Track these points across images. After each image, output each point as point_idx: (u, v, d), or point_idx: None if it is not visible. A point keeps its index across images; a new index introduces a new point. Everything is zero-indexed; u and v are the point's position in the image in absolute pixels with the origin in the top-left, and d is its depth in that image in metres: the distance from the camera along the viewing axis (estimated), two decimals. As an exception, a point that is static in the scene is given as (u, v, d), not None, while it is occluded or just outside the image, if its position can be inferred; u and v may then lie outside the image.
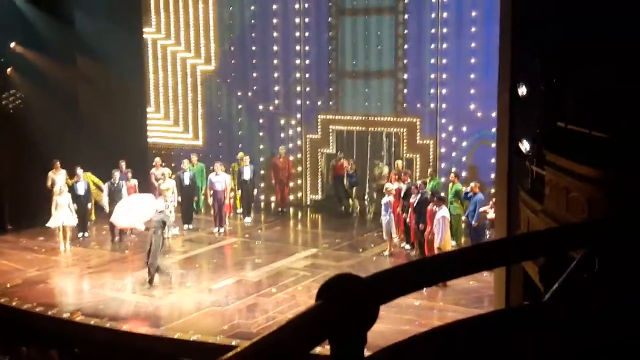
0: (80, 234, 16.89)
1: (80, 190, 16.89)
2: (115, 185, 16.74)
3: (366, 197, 19.48)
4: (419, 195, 14.71)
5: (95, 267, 14.92)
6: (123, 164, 17.47)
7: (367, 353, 1.67)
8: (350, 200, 18.59)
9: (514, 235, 8.50)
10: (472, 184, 15.21)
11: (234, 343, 10.81)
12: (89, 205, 17.32)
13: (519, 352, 1.88)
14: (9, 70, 17.94)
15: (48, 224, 16.15)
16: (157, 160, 18.53)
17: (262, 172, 19.44)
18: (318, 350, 1.70)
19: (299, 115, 19.42)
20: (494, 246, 2.20)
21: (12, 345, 10.67)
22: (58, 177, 17.02)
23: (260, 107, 19.77)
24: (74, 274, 14.78)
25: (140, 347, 11.34)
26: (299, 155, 19.48)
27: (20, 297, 13.19)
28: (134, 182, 17.44)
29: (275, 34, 19.35)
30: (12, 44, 17.94)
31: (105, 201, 16.69)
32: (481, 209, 14.72)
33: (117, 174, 16.90)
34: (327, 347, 1.60)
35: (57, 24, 18.31)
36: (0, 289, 13.64)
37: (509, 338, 1.91)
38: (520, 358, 1.86)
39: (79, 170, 17.01)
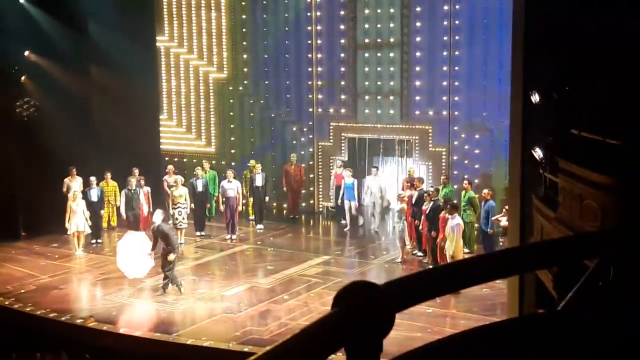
0: (93, 241, 16.98)
1: (94, 197, 16.99)
2: (132, 191, 16.85)
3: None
4: (432, 202, 14.68)
5: (108, 273, 14.97)
6: (137, 171, 17.57)
7: (382, 360, 1.67)
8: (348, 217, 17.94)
9: (528, 244, 8.47)
10: (485, 192, 15.18)
11: (246, 350, 10.82)
12: (102, 212, 17.42)
13: (535, 358, 1.88)
14: (23, 78, 18.08)
15: (68, 233, 16.31)
16: (170, 167, 18.64)
17: (273, 179, 19.47)
18: (334, 357, 1.71)
19: (310, 123, 19.45)
20: (508, 254, 2.20)
21: (26, 351, 10.71)
22: (74, 183, 17.15)
23: (272, 114, 19.83)
24: (87, 280, 14.84)
25: (152, 353, 11.36)
26: (310, 163, 19.51)
27: (33, 303, 13.27)
28: (147, 189, 17.53)
29: (287, 42, 19.41)
30: (27, 53, 18.09)
31: (122, 208, 16.77)
32: (494, 218, 14.68)
33: (133, 181, 17.02)
34: (342, 354, 1.60)
35: (71, 32, 18.46)
36: (14, 294, 13.73)
37: (523, 346, 1.91)
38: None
39: (92, 178, 17.12)
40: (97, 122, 19.37)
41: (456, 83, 17.36)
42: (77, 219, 16.18)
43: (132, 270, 14.22)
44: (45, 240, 17.25)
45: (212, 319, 12.44)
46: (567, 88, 9.55)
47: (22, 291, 13.94)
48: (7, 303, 13.36)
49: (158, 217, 13.80)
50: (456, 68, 17.34)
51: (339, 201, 18.04)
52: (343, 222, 18.15)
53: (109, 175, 17.58)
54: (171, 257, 13.40)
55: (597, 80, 8.70)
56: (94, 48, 19.11)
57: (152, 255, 14.05)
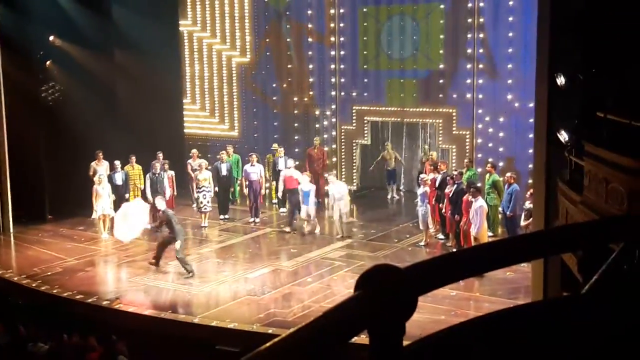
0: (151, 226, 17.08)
1: (118, 180, 17.15)
2: (157, 175, 16.97)
3: (402, 187, 19.46)
4: (455, 185, 14.62)
5: (133, 255, 15.13)
6: (160, 155, 17.68)
7: (405, 343, 1.68)
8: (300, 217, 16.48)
9: (553, 227, 8.43)
10: (508, 175, 15.09)
11: (270, 331, 10.91)
12: (127, 195, 17.57)
13: (558, 343, 1.87)
14: (48, 63, 18.24)
15: (93, 216, 16.51)
16: (194, 151, 18.74)
17: (297, 162, 19.49)
18: (357, 340, 1.72)
19: (333, 106, 19.43)
20: (533, 238, 2.19)
21: (54, 333, 10.89)
22: (100, 167, 17.31)
23: (295, 98, 19.82)
24: (113, 263, 15.02)
25: (177, 334, 11.49)
26: (333, 146, 19.50)
27: (60, 285, 13.46)
28: (171, 173, 17.65)
29: (310, 26, 19.36)
30: (51, 37, 18.23)
31: (147, 192, 16.92)
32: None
33: (157, 165, 17.14)
34: (365, 337, 1.61)
35: (95, 17, 18.57)
36: (41, 277, 13.94)
37: (548, 329, 1.91)
38: (560, 349, 1.86)
39: (117, 162, 17.27)
40: (122, 106, 19.51)
41: (480, 66, 17.22)
42: (103, 202, 16.35)
43: (119, 231, 14.66)
44: (72, 223, 17.47)
45: (236, 301, 12.55)
46: (594, 70, 9.43)
47: (49, 273, 14.14)
48: (34, 285, 13.58)
49: (161, 203, 14.16)
50: (480, 50, 17.19)
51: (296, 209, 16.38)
52: (287, 228, 16.51)
53: (133, 158, 17.73)
54: (177, 244, 13.49)
55: (624, 62, 8.59)
56: (118, 32, 19.22)
57: (150, 226, 14.81)
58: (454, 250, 12.93)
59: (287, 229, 16.52)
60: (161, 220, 14.06)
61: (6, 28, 17.07)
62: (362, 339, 1.62)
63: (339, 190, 15.99)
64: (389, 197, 18.82)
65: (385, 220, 17.40)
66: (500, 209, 15.22)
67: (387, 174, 18.82)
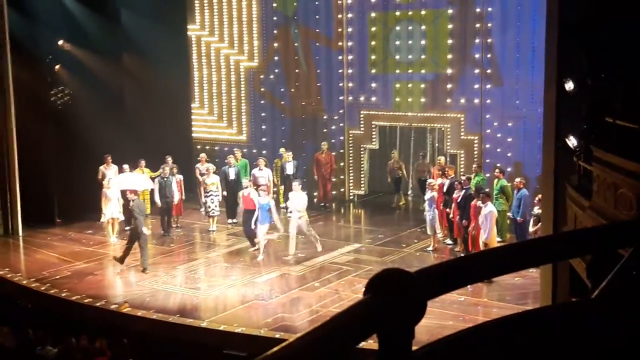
0: (127, 228, 17.16)
1: (127, 184, 17.17)
2: (166, 180, 17.00)
3: (409, 192, 19.45)
4: (463, 190, 14.60)
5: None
6: (169, 159, 17.72)
7: (413, 348, 1.68)
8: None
9: (562, 232, 8.39)
10: (517, 180, 15.06)
11: (277, 336, 10.90)
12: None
13: (567, 348, 1.87)
14: (57, 67, 18.33)
15: (101, 220, 16.57)
16: (203, 155, 18.78)
17: (304, 167, 19.51)
18: (366, 344, 1.73)
19: (341, 111, 19.43)
20: (541, 243, 2.19)
21: (62, 336, 10.91)
22: (109, 171, 17.37)
23: (303, 102, 19.84)
24: (121, 267, 15.03)
25: (185, 338, 11.51)
26: (341, 151, 19.51)
27: (69, 289, 13.50)
28: (180, 177, 17.69)
29: (318, 30, 19.39)
30: (60, 42, 18.32)
31: (156, 196, 16.96)
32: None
33: (166, 169, 17.17)
34: (374, 341, 1.62)
35: (103, 21, 18.67)
36: (50, 280, 13.98)
37: (557, 335, 1.91)
38: (568, 355, 1.86)
39: (125, 166, 17.32)
40: (130, 110, 19.58)
41: (489, 70, 17.19)
42: (112, 206, 16.39)
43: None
44: (80, 227, 17.52)
45: (243, 306, 12.56)
46: (602, 75, 9.41)
47: (58, 277, 14.18)
48: (43, 289, 13.62)
49: (132, 196, 14.84)
50: (488, 55, 17.17)
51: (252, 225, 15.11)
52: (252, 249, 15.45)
53: (142, 162, 17.77)
54: (145, 230, 14.32)
55: (633, 67, 8.56)
56: (127, 37, 19.32)
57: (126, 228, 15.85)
58: (462, 255, 12.90)
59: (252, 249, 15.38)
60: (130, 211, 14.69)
61: (16, 32, 17.17)
62: (371, 343, 1.63)
63: (298, 202, 14.90)
64: (393, 205, 18.74)
65: (393, 225, 17.38)
66: (509, 214, 15.19)
67: (394, 182, 18.77)
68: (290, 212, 15.32)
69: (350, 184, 19.63)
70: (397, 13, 18.41)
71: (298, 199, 15.03)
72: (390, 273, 1.57)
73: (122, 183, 16.26)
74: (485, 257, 1.99)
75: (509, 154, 17.08)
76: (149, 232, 14.75)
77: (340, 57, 19.18)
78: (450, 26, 17.69)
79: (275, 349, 1.47)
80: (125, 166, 17.34)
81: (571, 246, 2.13)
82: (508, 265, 1.98)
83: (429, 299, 1.60)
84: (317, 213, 18.72)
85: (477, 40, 17.28)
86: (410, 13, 18.29)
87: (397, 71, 18.51)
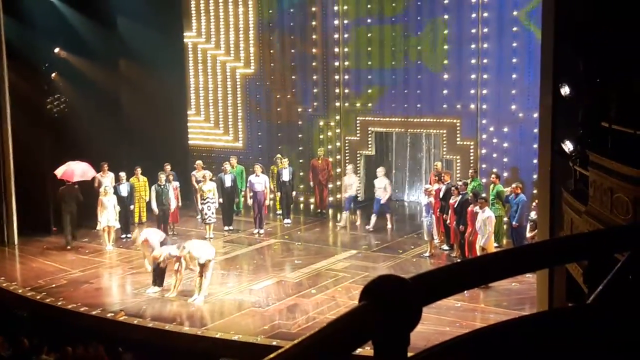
0: (123, 236, 17.15)
1: (124, 192, 17.16)
2: (162, 187, 16.97)
3: (405, 198, 19.47)
4: (460, 196, 14.60)
5: (138, 267, 15.12)
6: (168, 167, 17.72)
7: (409, 354, 1.67)
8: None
9: (558, 237, 8.40)
10: (514, 185, 15.06)
11: (274, 343, 10.87)
12: (132, 207, 17.59)
13: (563, 354, 1.86)
14: (53, 75, 18.32)
15: (97, 228, 16.51)
16: (199, 162, 18.76)
17: (301, 173, 19.50)
18: (361, 351, 1.71)
19: (337, 117, 19.44)
20: (537, 248, 2.18)
21: (58, 345, 10.87)
22: (105, 179, 17.34)
23: (299, 109, 19.85)
24: (117, 275, 15.01)
25: (182, 346, 11.47)
26: (337, 157, 19.51)
27: (65, 297, 13.45)
28: (176, 184, 17.67)
29: (314, 36, 19.41)
30: (57, 50, 18.31)
31: (153, 204, 16.93)
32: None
33: (163, 177, 17.15)
34: (370, 348, 1.60)
35: (100, 28, 18.66)
36: (46, 289, 13.93)
37: (553, 340, 1.90)
38: (566, 359, 1.85)
39: (122, 174, 17.31)
40: (127, 118, 19.58)
41: (485, 76, 17.23)
42: (108, 214, 16.36)
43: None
44: (76, 235, 17.45)
45: (240, 313, 12.52)
46: (598, 80, 9.43)
47: (54, 285, 14.13)
48: (38, 297, 13.56)
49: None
50: (484, 61, 17.20)
51: None
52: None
53: (139, 170, 17.75)
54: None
55: (629, 71, 8.58)
56: (123, 44, 19.32)
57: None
58: (459, 261, 12.89)
59: None
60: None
61: (12, 40, 17.15)
62: (368, 350, 1.62)
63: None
64: (370, 225, 17.42)
65: (389, 231, 17.36)
66: (505, 219, 15.19)
67: (352, 200, 17.91)
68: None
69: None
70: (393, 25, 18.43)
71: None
72: (385, 280, 1.56)
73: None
74: (480, 263, 1.98)
75: (505, 159, 17.10)
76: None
77: (336, 64, 19.20)
78: (446, 32, 17.72)
79: (271, 356, 1.46)
80: (122, 174, 17.33)
81: (567, 251, 2.12)
82: (504, 271, 1.97)
83: (425, 305, 1.59)
84: (313, 219, 18.73)
85: (473, 46, 17.31)
86: (406, 18, 18.31)
87: (393, 77, 18.52)
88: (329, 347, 1.52)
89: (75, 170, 16.87)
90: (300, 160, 19.69)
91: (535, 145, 13.88)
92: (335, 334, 1.53)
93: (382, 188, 16.89)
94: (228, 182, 17.74)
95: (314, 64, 19.49)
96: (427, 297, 1.63)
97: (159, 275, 13.57)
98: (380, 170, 17.21)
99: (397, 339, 1.56)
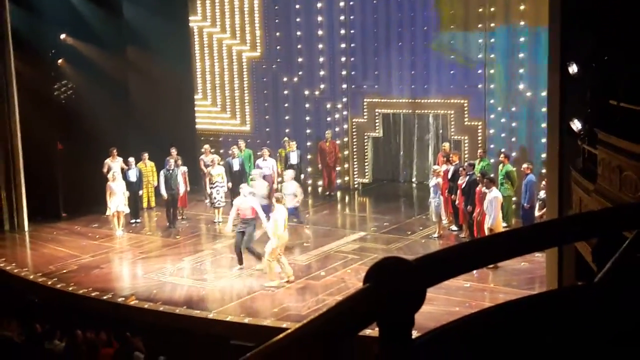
0: (132, 220, 17.22)
1: (132, 177, 17.21)
2: (170, 171, 17.00)
3: (414, 179, 19.46)
4: (467, 176, 14.57)
5: (148, 252, 15.21)
6: (174, 151, 17.73)
7: (416, 334, 1.67)
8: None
9: (567, 216, 8.37)
10: (525, 166, 14.99)
11: (284, 325, 10.92)
12: (141, 192, 17.64)
13: (571, 332, 1.86)
14: (60, 61, 18.33)
15: (107, 213, 16.56)
16: (207, 147, 18.77)
17: (309, 156, 19.48)
18: (367, 332, 1.72)
19: (345, 99, 19.39)
20: (546, 227, 2.17)
21: (69, 330, 10.96)
22: (114, 164, 17.38)
23: (306, 92, 19.80)
24: (127, 260, 15.09)
25: (193, 330, 11.54)
26: (345, 139, 19.48)
27: (75, 283, 13.54)
28: (184, 169, 17.69)
29: (320, 18, 19.31)
30: (63, 36, 18.30)
31: (162, 189, 16.97)
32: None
33: (171, 161, 17.18)
34: (376, 329, 1.61)
35: (105, 14, 18.64)
36: (57, 274, 14.02)
37: (562, 318, 1.89)
38: (573, 338, 1.84)
39: (130, 159, 17.34)
40: (134, 103, 19.60)
41: (492, 55, 17.11)
42: (117, 199, 16.41)
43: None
44: (86, 221, 17.56)
45: (250, 296, 12.58)
46: (606, 58, 9.35)
47: (64, 271, 14.23)
48: (49, 283, 13.67)
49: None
50: (492, 40, 17.08)
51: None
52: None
53: (146, 155, 17.78)
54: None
55: (637, 49, 8.51)
56: (129, 30, 19.30)
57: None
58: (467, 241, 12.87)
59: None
60: None
61: (18, 27, 17.15)
62: (375, 331, 1.62)
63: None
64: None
65: (398, 212, 17.37)
66: (514, 199, 15.15)
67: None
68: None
69: (355, 173, 19.61)
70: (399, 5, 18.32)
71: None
72: (389, 261, 1.56)
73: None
74: (486, 243, 1.97)
75: (513, 139, 17.03)
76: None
77: (343, 45, 19.11)
78: (452, 12, 17.59)
79: (279, 337, 1.47)
80: (131, 159, 17.37)
81: (576, 230, 2.11)
82: (511, 250, 1.96)
83: (429, 287, 1.58)
84: (322, 202, 18.74)
85: (480, 25, 17.18)
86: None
87: (400, 58, 18.43)
88: (335, 327, 1.52)
89: None
90: (308, 143, 19.66)
91: (544, 125, 13.82)
92: (340, 315, 1.53)
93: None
94: (236, 166, 17.75)
95: (320, 46, 19.40)
96: (430, 279, 1.63)
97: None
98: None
99: (402, 319, 1.56)
